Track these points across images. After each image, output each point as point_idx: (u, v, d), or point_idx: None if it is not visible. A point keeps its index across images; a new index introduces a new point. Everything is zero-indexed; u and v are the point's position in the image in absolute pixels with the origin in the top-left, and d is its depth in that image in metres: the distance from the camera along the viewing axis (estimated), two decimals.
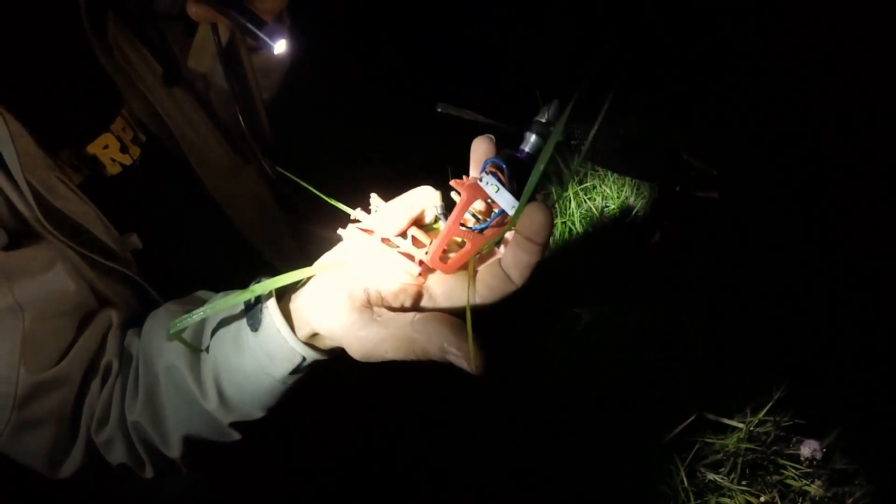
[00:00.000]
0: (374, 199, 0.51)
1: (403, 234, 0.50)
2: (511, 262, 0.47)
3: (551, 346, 1.52)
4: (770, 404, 1.31)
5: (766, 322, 1.44)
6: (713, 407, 1.35)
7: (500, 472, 1.32)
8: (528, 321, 1.52)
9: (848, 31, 1.59)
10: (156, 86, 0.80)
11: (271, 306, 0.52)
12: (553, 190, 1.80)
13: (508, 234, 0.49)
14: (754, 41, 1.72)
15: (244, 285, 0.54)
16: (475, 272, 0.50)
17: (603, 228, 1.71)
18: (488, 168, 0.47)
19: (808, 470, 1.28)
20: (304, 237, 1.07)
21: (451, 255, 0.49)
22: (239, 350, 0.55)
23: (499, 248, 0.51)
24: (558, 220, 1.74)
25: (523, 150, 0.49)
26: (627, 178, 1.75)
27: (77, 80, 0.75)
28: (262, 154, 0.86)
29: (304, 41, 0.78)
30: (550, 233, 0.45)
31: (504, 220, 0.48)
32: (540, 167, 0.46)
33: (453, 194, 0.48)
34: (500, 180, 0.46)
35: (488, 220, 0.48)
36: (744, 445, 1.29)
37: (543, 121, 0.48)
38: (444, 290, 0.50)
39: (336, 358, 0.55)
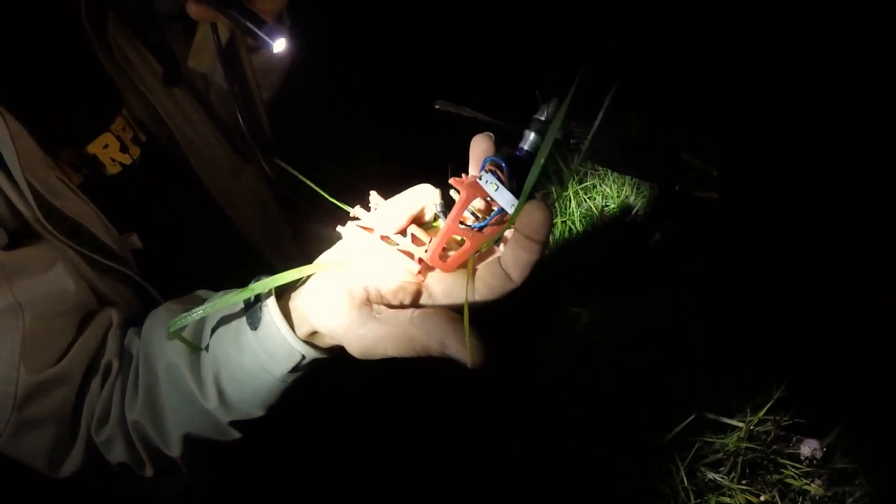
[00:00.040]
0: (374, 196, 0.51)
1: (403, 232, 0.50)
2: (510, 260, 0.47)
3: (551, 346, 1.52)
4: (770, 404, 1.31)
5: (766, 322, 1.44)
6: (713, 406, 1.35)
7: (500, 472, 1.32)
8: (528, 321, 1.52)
9: (848, 31, 1.59)
10: (156, 85, 0.80)
11: (271, 304, 0.52)
12: (553, 189, 1.80)
13: (508, 233, 0.49)
14: (754, 41, 1.72)
15: (244, 285, 0.54)
16: (474, 270, 0.50)
17: (603, 228, 1.71)
18: (487, 166, 0.47)
19: (808, 469, 1.28)
20: (304, 237, 1.07)
21: (451, 253, 0.49)
22: (239, 348, 0.55)
23: (498, 246, 0.51)
24: (558, 220, 1.74)
25: (522, 149, 0.49)
26: (627, 178, 1.75)
27: (77, 80, 0.75)
28: (261, 154, 0.87)
29: (304, 41, 0.78)
30: (550, 231, 0.45)
31: (503, 219, 0.48)
32: (539, 165, 0.46)
33: (453, 193, 0.48)
34: (499, 179, 0.46)
35: (487, 218, 0.48)
36: (744, 445, 1.29)
37: (543, 119, 0.48)
38: (444, 288, 0.50)
39: (336, 357, 0.55)
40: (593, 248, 1.68)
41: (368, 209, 0.51)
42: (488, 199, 0.48)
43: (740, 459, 1.28)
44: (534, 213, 0.44)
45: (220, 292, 0.60)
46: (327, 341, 0.53)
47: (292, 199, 1.00)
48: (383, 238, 0.49)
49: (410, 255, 0.49)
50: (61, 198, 0.66)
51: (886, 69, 1.55)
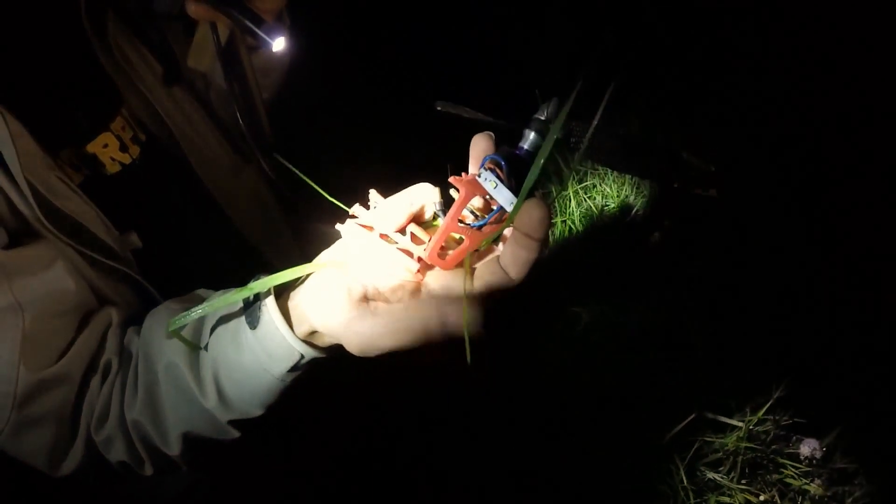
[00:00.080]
0: (374, 195, 0.51)
1: (402, 231, 0.50)
2: (509, 258, 0.47)
3: (551, 346, 1.52)
4: (770, 403, 1.31)
5: (766, 322, 1.44)
6: (713, 406, 1.35)
7: (500, 472, 1.32)
8: (528, 321, 1.52)
9: (848, 31, 1.59)
10: (156, 85, 0.80)
11: (270, 304, 0.52)
12: (552, 188, 1.80)
13: (507, 232, 0.49)
14: (754, 41, 1.72)
15: (244, 284, 0.55)
16: (473, 269, 0.50)
17: (603, 227, 1.71)
18: (487, 164, 0.47)
19: (808, 469, 1.28)
20: (305, 236, 1.07)
21: (450, 252, 0.49)
22: (238, 348, 0.55)
23: (497, 245, 0.51)
24: (558, 219, 1.74)
25: (522, 148, 0.49)
26: (627, 177, 1.75)
27: (77, 80, 0.75)
28: (260, 154, 0.87)
29: (304, 40, 0.78)
30: (548, 229, 0.45)
31: (502, 217, 0.48)
32: (539, 164, 0.46)
33: (453, 192, 0.48)
34: (498, 177, 0.46)
35: (486, 217, 0.48)
36: (743, 444, 1.29)
37: (543, 118, 0.48)
38: (442, 286, 0.50)
39: (334, 356, 0.55)
40: (593, 247, 1.68)
41: (368, 207, 0.51)
42: (487, 197, 0.48)
43: (740, 459, 1.28)
44: (532, 212, 0.44)
45: (220, 291, 0.60)
46: (326, 340, 0.53)
47: (292, 198, 1.00)
48: (382, 236, 0.49)
49: (409, 254, 0.49)
50: (61, 197, 0.66)
51: (886, 69, 1.55)
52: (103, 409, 0.65)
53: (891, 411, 1.29)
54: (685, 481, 1.27)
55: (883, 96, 1.56)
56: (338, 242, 0.53)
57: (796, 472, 1.27)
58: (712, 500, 1.26)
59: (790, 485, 1.27)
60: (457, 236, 0.49)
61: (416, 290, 0.50)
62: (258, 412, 0.59)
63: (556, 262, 1.66)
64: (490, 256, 0.50)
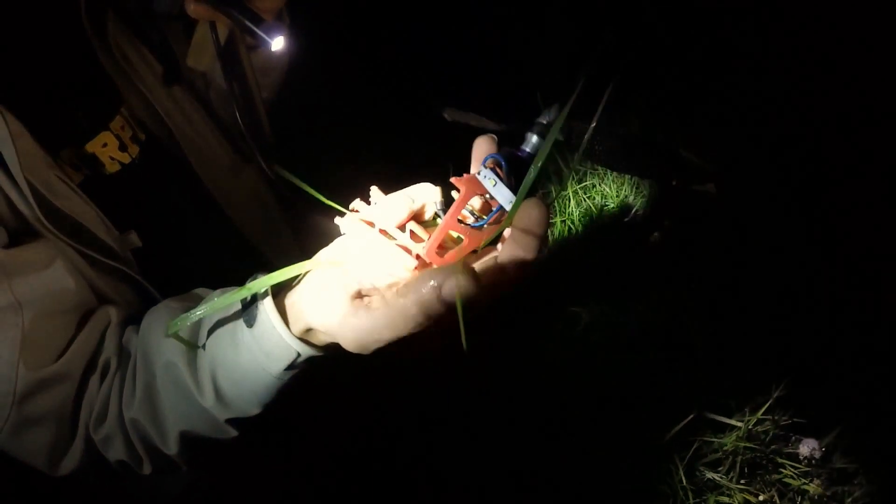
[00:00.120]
0: (375, 191, 0.51)
1: (402, 228, 0.50)
2: (507, 257, 0.46)
3: (551, 346, 1.52)
4: (769, 403, 1.31)
5: (765, 322, 1.44)
6: (712, 406, 1.35)
7: (500, 472, 1.32)
8: (528, 321, 1.52)
9: (848, 31, 1.59)
10: (156, 85, 0.80)
11: (266, 302, 0.53)
12: (552, 188, 1.80)
13: (507, 233, 0.49)
14: (754, 41, 1.72)
15: (244, 284, 0.55)
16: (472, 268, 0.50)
17: (602, 227, 1.71)
18: (487, 163, 0.48)
19: (807, 469, 1.28)
20: (304, 235, 1.07)
21: (449, 252, 0.49)
22: (235, 346, 0.55)
23: (497, 247, 0.51)
24: (557, 219, 1.74)
25: (524, 150, 0.49)
26: (626, 177, 1.75)
27: (77, 80, 0.75)
28: (260, 153, 0.87)
29: (304, 40, 0.78)
30: (547, 228, 0.45)
31: (501, 218, 0.48)
32: (538, 163, 0.46)
33: (454, 193, 0.48)
34: (498, 175, 0.47)
35: (486, 217, 0.48)
36: (743, 444, 1.29)
37: (545, 122, 0.48)
38: None
39: (333, 356, 0.55)
40: (593, 247, 1.68)
41: (369, 203, 0.51)
42: (487, 196, 0.48)
43: (739, 459, 1.29)
44: (531, 211, 0.44)
45: (218, 291, 0.60)
46: (322, 338, 0.53)
47: (292, 198, 1.00)
48: (382, 232, 0.49)
49: (408, 251, 0.49)
50: (61, 197, 0.66)
51: (886, 69, 1.55)
52: (102, 408, 0.65)
53: (890, 411, 1.29)
54: (684, 481, 1.27)
55: (883, 96, 1.56)
56: (337, 240, 0.53)
57: (795, 472, 1.27)
58: (711, 499, 1.26)
59: (789, 485, 1.27)
60: (456, 235, 0.49)
61: None
62: (256, 411, 0.59)
63: (555, 263, 1.67)
64: (488, 256, 0.50)
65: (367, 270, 0.49)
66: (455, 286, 0.42)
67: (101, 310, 0.69)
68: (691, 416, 1.30)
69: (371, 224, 0.49)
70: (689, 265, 1.55)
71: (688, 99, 1.72)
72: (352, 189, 0.56)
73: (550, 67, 1.68)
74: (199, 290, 0.66)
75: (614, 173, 1.77)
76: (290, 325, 0.52)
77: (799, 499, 1.26)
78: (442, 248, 0.49)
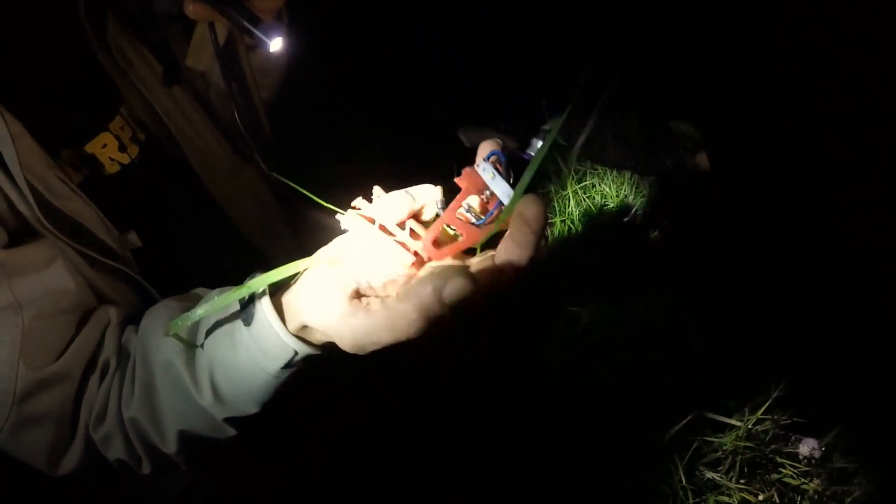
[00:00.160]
0: (377, 190, 0.51)
1: (402, 226, 0.50)
2: (504, 255, 0.46)
3: (551, 346, 1.52)
4: (768, 403, 1.31)
5: (765, 322, 1.44)
6: (712, 406, 1.35)
7: (500, 472, 1.32)
8: (528, 321, 1.52)
9: (848, 31, 1.59)
10: (155, 85, 0.80)
11: (264, 301, 0.53)
12: (551, 188, 1.80)
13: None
14: (754, 41, 1.72)
15: (243, 284, 0.55)
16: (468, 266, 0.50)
17: (602, 227, 1.71)
18: (490, 160, 0.48)
19: (807, 468, 1.28)
20: (304, 235, 1.07)
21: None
22: (233, 345, 0.55)
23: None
24: (557, 219, 1.74)
25: (529, 154, 0.49)
26: (626, 177, 1.75)
27: (76, 80, 0.75)
28: (259, 153, 0.87)
29: (304, 40, 0.79)
30: (545, 223, 0.44)
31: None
32: (538, 160, 0.46)
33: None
34: (497, 171, 0.47)
35: (484, 217, 0.49)
36: (742, 444, 1.29)
37: (550, 129, 0.48)
38: None
39: (331, 355, 0.55)
40: (593, 247, 1.68)
41: (371, 201, 0.51)
42: (486, 195, 0.48)
43: (739, 458, 1.28)
44: (529, 206, 0.44)
45: (217, 290, 0.60)
46: (319, 337, 0.53)
47: (292, 198, 1.00)
48: (381, 228, 0.49)
49: (406, 248, 0.49)
50: (61, 197, 0.66)
51: (886, 69, 1.55)
52: (102, 407, 0.65)
53: (890, 411, 1.29)
54: (684, 481, 1.27)
55: (883, 96, 1.56)
56: (336, 239, 0.53)
57: (795, 471, 1.27)
58: (711, 499, 1.26)
59: (789, 484, 1.27)
60: (453, 232, 0.50)
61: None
62: (254, 410, 0.59)
63: (555, 262, 1.67)
64: (486, 255, 0.50)
65: (366, 268, 0.49)
66: (455, 290, 0.42)
67: (100, 310, 0.69)
68: (691, 416, 1.30)
69: (371, 220, 0.50)
70: (689, 265, 1.55)
71: (688, 99, 1.72)
72: (351, 189, 0.56)
73: (550, 67, 1.68)
74: (199, 290, 0.66)
75: (614, 173, 1.77)
76: (288, 324, 0.53)
77: (798, 498, 1.26)
78: (440, 244, 0.49)
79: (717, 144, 1.64)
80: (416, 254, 0.49)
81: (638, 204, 1.71)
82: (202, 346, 0.58)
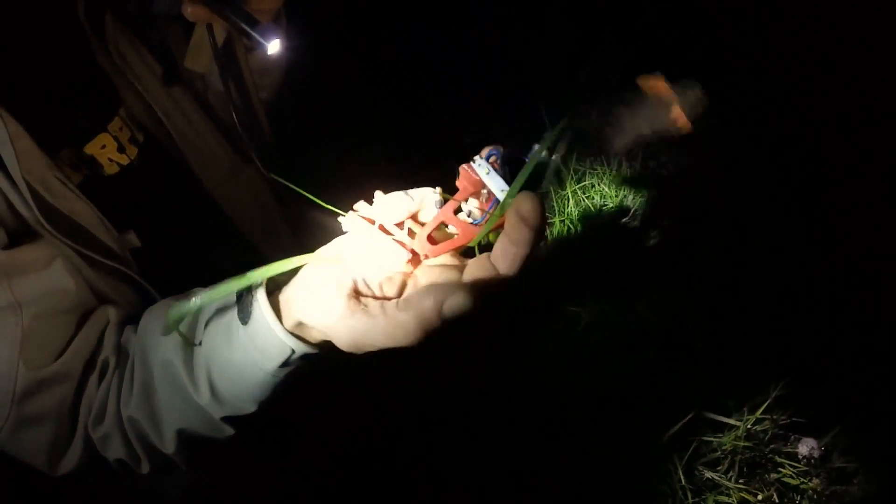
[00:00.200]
0: (378, 194, 0.52)
1: (401, 226, 0.51)
2: (500, 252, 0.46)
3: (551, 346, 1.52)
4: (768, 403, 1.31)
5: (765, 322, 1.44)
6: (712, 406, 1.35)
7: (500, 472, 1.32)
8: (528, 321, 1.52)
9: (848, 31, 1.59)
10: (155, 86, 0.80)
11: (261, 299, 0.53)
12: (550, 188, 1.80)
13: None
14: (754, 41, 1.72)
15: None
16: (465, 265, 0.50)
17: (601, 227, 1.71)
18: (490, 160, 0.48)
19: (806, 468, 1.28)
20: (304, 235, 1.07)
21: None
22: (230, 344, 0.55)
23: None
24: (556, 219, 1.74)
25: (528, 158, 0.49)
26: (626, 177, 1.75)
27: (76, 81, 0.75)
28: (258, 154, 0.87)
29: (303, 41, 0.79)
30: (542, 220, 0.44)
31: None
32: (535, 159, 0.46)
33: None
34: (494, 168, 0.47)
35: (481, 217, 0.49)
36: (742, 444, 1.29)
37: (547, 135, 0.49)
38: (430, 280, 0.49)
39: (328, 354, 0.55)
40: (592, 247, 1.68)
41: (371, 204, 0.52)
42: (484, 194, 0.49)
43: (738, 458, 1.28)
44: (525, 202, 0.43)
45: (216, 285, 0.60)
46: (316, 335, 0.53)
47: (291, 198, 1.00)
48: (380, 227, 0.50)
49: (404, 246, 0.49)
50: (60, 198, 0.66)
51: (886, 69, 1.55)
52: (101, 407, 0.65)
53: (889, 411, 1.29)
54: (683, 480, 1.27)
55: (883, 96, 1.56)
56: (336, 239, 0.53)
57: (794, 471, 1.27)
58: (710, 499, 1.26)
59: (788, 484, 1.27)
60: (450, 230, 0.50)
61: (404, 283, 0.50)
62: (251, 408, 0.59)
63: (555, 262, 1.67)
64: (482, 257, 0.50)
65: (364, 267, 0.50)
66: (456, 306, 0.43)
67: (99, 310, 0.69)
68: (690, 416, 1.30)
69: (371, 221, 0.50)
70: (689, 265, 1.55)
71: None
72: (351, 189, 0.56)
73: (550, 67, 1.68)
74: (198, 290, 0.66)
75: (613, 173, 1.77)
76: (285, 322, 0.52)
77: (798, 498, 1.26)
78: (436, 243, 0.49)
79: (717, 144, 1.64)
80: (412, 251, 0.49)
81: (638, 204, 1.71)
82: (200, 344, 0.58)
